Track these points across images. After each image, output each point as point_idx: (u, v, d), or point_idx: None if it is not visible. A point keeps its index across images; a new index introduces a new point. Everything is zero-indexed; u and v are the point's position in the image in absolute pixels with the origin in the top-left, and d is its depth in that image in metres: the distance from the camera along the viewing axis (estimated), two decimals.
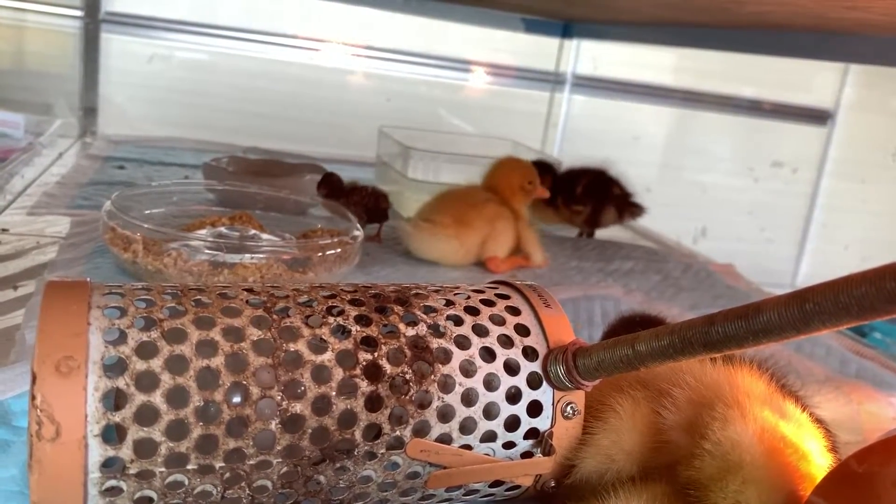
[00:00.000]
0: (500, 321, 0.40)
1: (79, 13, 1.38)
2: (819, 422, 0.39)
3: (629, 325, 0.50)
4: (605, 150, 1.75)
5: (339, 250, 0.73)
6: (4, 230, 0.81)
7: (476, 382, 0.38)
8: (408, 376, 0.36)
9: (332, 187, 0.94)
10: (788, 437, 0.35)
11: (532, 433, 0.39)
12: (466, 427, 0.37)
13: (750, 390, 0.38)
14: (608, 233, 1.21)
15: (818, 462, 0.36)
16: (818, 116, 1.89)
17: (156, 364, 0.33)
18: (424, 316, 0.39)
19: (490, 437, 0.38)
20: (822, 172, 1.93)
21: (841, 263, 1.96)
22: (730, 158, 1.87)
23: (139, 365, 0.33)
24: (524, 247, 0.94)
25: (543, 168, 1.08)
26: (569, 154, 1.69)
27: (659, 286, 0.93)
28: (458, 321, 0.39)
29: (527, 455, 0.39)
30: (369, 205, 0.93)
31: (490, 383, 0.38)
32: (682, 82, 1.80)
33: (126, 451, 0.32)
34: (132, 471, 0.32)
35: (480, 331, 0.39)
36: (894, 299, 0.25)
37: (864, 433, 0.55)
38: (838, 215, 1.96)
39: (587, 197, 1.11)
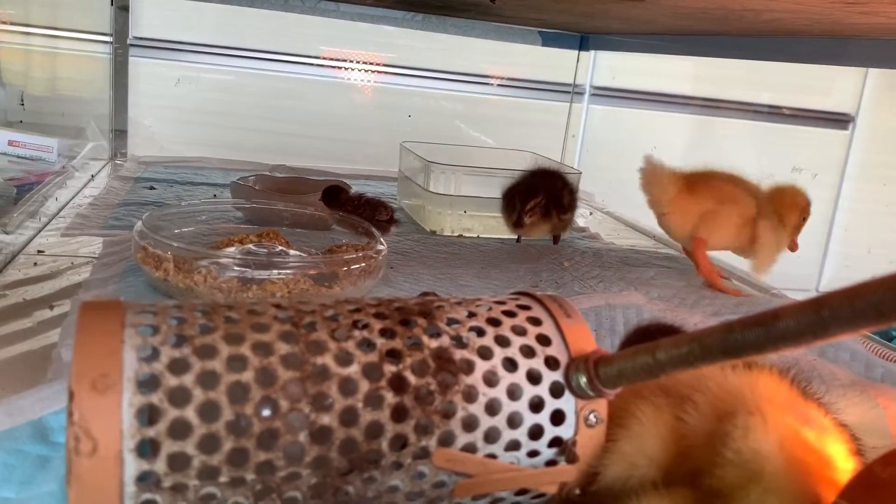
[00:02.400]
0: (521, 332, 0.41)
1: (108, 39, 1.42)
2: (843, 427, 0.39)
3: (645, 335, 0.50)
4: (625, 160, 1.76)
5: (363, 264, 0.75)
6: (40, 251, 0.83)
7: (499, 392, 0.38)
8: (432, 387, 0.37)
9: (330, 198, 0.95)
10: (811, 444, 0.35)
11: (556, 441, 0.39)
12: (491, 436, 0.38)
13: (771, 396, 0.38)
14: (630, 241, 1.21)
15: (842, 468, 0.35)
16: (839, 120, 1.87)
17: (188, 379, 0.34)
18: (447, 328, 0.40)
19: (514, 445, 0.39)
20: (844, 176, 1.91)
21: (865, 266, 1.94)
22: (750, 165, 1.85)
23: (172, 381, 0.34)
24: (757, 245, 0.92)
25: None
26: (589, 164, 1.69)
27: (681, 293, 0.92)
28: (481, 332, 0.40)
29: (551, 463, 0.40)
30: (363, 215, 0.93)
31: (513, 393, 0.39)
32: (700, 90, 1.79)
33: (160, 465, 0.33)
34: (166, 484, 0.33)
35: (502, 341, 0.40)
36: None
37: (892, 437, 0.55)
38: (861, 219, 1.94)
39: (573, 201, 1.08)
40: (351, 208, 0.93)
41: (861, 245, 1.96)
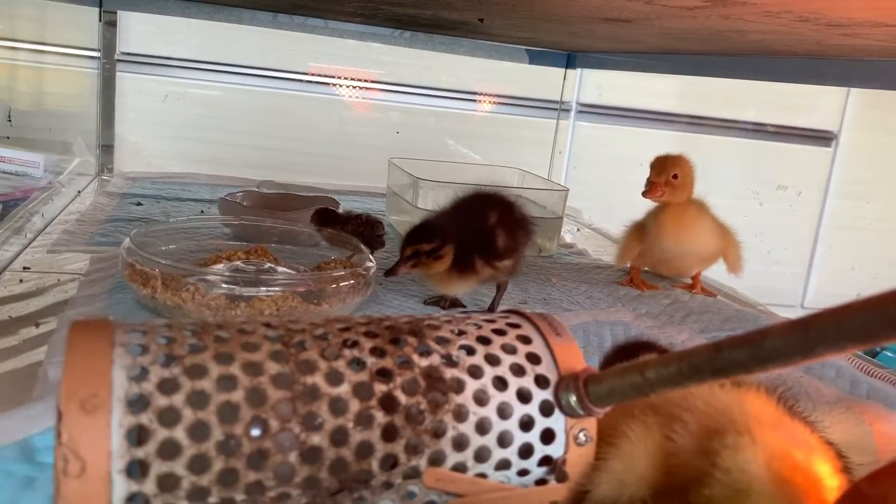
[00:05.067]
0: (511, 350, 0.41)
1: (95, 54, 1.41)
2: (830, 445, 0.40)
3: (624, 353, 0.51)
4: (612, 176, 1.77)
5: (352, 282, 0.75)
6: (26, 268, 0.83)
7: (489, 411, 0.38)
8: (422, 406, 0.37)
9: (324, 218, 0.95)
10: (798, 463, 0.36)
11: (546, 460, 0.39)
12: (481, 455, 0.38)
13: (760, 415, 0.38)
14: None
15: (829, 486, 0.36)
16: (823, 138, 1.89)
17: (178, 399, 0.34)
18: (437, 346, 0.40)
19: (504, 464, 0.39)
20: (828, 193, 1.93)
21: (849, 283, 1.96)
22: (735, 182, 1.88)
23: (161, 401, 0.34)
24: None
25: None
26: (576, 181, 1.71)
27: (668, 310, 0.93)
28: (471, 351, 0.40)
29: (541, 482, 0.40)
30: (365, 232, 0.94)
31: (503, 412, 0.39)
32: (685, 107, 1.81)
33: (149, 486, 0.33)
34: None
35: (493, 360, 0.40)
36: None
37: (877, 454, 0.55)
38: (845, 235, 1.96)
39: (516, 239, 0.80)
40: (352, 228, 0.93)
41: (845, 262, 1.98)
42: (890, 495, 0.32)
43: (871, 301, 0.26)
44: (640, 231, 1.02)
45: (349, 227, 0.93)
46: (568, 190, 1.19)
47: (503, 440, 0.38)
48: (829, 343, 0.28)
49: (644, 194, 0.96)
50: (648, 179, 0.96)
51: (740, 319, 0.91)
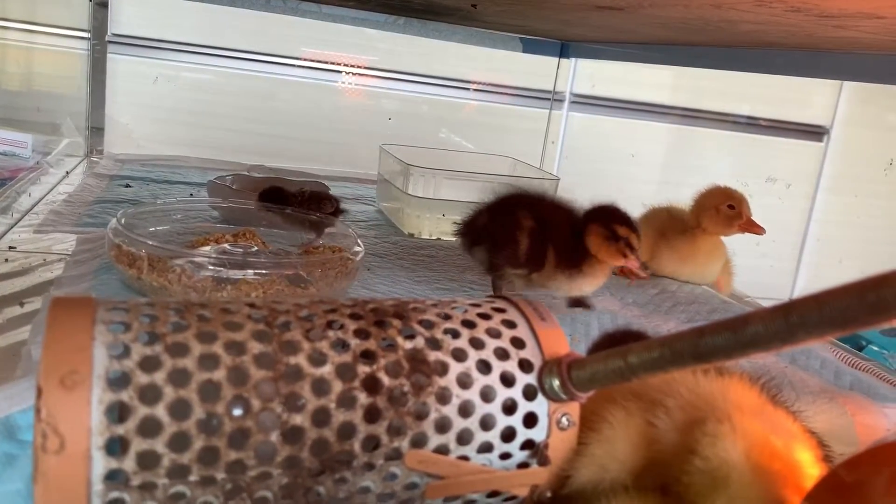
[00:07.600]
0: (496, 334, 0.41)
1: (86, 35, 1.40)
2: (812, 434, 0.40)
3: (613, 341, 0.51)
4: (604, 167, 1.77)
5: (339, 266, 0.74)
6: (12, 248, 0.82)
7: (472, 394, 0.38)
8: (406, 388, 0.37)
9: (270, 198, 0.93)
10: (778, 451, 0.36)
11: (528, 444, 0.39)
12: (463, 438, 0.38)
13: (741, 403, 0.39)
14: None
15: (809, 475, 0.36)
16: (814, 132, 1.90)
17: (159, 377, 0.34)
18: (422, 329, 0.40)
19: (487, 447, 0.39)
20: (818, 187, 1.94)
21: (837, 277, 1.96)
22: (726, 174, 1.88)
23: (142, 378, 0.33)
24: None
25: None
26: (568, 171, 1.71)
27: (655, 300, 0.93)
28: (456, 334, 0.40)
29: (523, 465, 0.40)
30: (312, 208, 0.90)
31: (486, 395, 0.39)
32: (678, 100, 1.81)
33: (129, 463, 0.32)
34: (135, 482, 0.33)
35: (477, 344, 0.40)
36: (875, 310, 0.26)
37: (859, 445, 0.56)
38: (833, 229, 1.97)
39: (537, 250, 0.77)
40: (296, 204, 0.91)
41: (833, 256, 1.99)
42: (867, 481, 0.32)
43: (851, 287, 0.26)
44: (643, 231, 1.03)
45: (293, 203, 0.91)
46: (559, 179, 1.19)
47: (486, 423, 0.38)
48: (809, 329, 0.28)
49: (753, 230, 0.97)
50: (747, 216, 0.97)
51: (727, 311, 0.92)
